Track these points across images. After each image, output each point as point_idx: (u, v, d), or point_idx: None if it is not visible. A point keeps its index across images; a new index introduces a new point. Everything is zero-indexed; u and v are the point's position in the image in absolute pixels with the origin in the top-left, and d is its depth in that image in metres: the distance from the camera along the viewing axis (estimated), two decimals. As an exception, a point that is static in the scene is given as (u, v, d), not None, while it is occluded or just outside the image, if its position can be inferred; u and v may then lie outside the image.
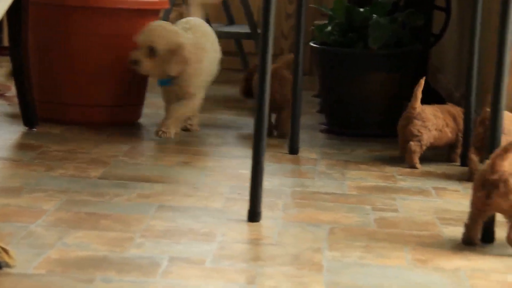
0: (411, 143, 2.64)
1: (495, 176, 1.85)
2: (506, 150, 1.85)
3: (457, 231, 2.01)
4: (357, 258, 1.79)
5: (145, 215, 2.01)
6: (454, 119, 2.73)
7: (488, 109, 2.45)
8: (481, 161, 2.46)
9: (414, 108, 2.67)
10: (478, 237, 1.90)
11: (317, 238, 1.91)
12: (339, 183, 2.43)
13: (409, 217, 2.12)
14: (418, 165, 2.64)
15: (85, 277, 1.58)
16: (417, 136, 2.64)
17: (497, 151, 1.87)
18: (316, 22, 3.58)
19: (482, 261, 1.81)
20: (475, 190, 1.87)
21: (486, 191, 1.86)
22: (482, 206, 1.87)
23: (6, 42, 4.72)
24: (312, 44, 3.23)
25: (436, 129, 2.68)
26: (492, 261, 1.81)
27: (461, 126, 2.72)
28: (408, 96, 3.01)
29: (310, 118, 3.39)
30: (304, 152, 2.81)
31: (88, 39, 2.98)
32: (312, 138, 3.04)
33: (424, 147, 2.65)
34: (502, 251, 1.87)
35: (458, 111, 2.75)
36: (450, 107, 2.76)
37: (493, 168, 1.85)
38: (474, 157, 2.49)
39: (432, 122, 2.67)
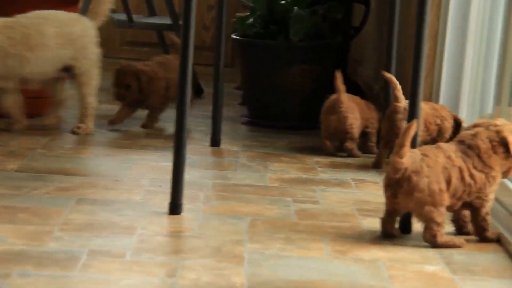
0: (347, 142, 2.70)
1: (398, 175, 1.85)
2: (400, 146, 1.84)
3: (376, 222, 2.04)
4: (277, 250, 1.80)
5: (64, 208, 1.98)
6: (362, 110, 2.77)
7: (397, 103, 2.51)
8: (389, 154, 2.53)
9: (342, 102, 2.69)
10: (395, 229, 1.93)
11: (238, 230, 1.92)
12: (261, 176, 2.44)
13: (329, 208, 2.14)
14: (359, 153, 2.71)
15: (2, 272, 1.55)
16: (350, 130, 2.69)
17: (395, 149, 1.86)
18: (238, 14, 3.58)
19: (400, 252, 1.84)
20: (384, 190, 1.89)
21: (392, 190, 1.87)
22: (391, 206, 1.89)
23: None
24: (233, 36, 3.23)
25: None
26: (409, 252, 1.84)
27: (369, 116, 2.77)
28: (329, 88, 3.04)
29: (232, 110, 3.39)
30: (226, 145, 2.81)
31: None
32: (234, 130, 3.04)
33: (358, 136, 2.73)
34: (419, 242, 1.91)
35: (363, 101, 2.81)
36: (356, 97, 2.80)
37: (394, 167, 1.85)
38: (382, 150, 2.56)
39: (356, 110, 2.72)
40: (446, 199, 1.86)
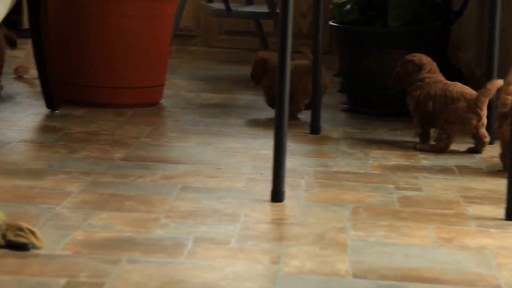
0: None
1: (505, 109, 2.30)
2: (508, 84, 2.29)
3: (482, 210, 2.01)
4: (381, 237, 1.80)
5: (169, 196, 2.02)
6: None
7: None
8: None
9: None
10: None
11: (340, 218, 1.92)
12: (362, 163, 2.43)
13: (433, 196, 2.12)
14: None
15: (111, 258, 1.59)
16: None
17: (503, 87, 2.31)
18: (335, 0, 3.57)
19: (508, 239, 1.81)
20: (494, 123, 2.34)
21: (500, 123, 2.30)
22: (500, 137, 2.30)
23: (26, 25, 4.74)
24: (331, 23, 3.22)
25: None
26: (516, 239, 1.81)
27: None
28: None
29: (331, 98, 3.39)
30: (326, 132, 2.81)
31: (112, 20, 2.99)
32: (334, 118, 3.04)
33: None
34: (526, 229, 1.87)
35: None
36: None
37: (502, 103, 2.31)
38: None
39: None
40: None
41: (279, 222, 1.87)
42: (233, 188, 2.11)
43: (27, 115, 2.84)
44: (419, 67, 2.65)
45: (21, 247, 1.59)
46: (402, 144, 2.67)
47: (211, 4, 4.06)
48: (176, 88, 3.50)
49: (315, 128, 2.79)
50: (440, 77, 2.65)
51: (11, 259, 1.55)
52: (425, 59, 2.67)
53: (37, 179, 2.09)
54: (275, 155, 2.02)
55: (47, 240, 1.67)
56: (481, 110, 2.53)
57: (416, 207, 2.02)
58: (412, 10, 3.12)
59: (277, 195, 2.03)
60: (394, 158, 2.49)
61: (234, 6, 4.14)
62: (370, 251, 1.71)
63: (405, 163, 2.44)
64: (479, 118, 2.53)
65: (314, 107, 2.78)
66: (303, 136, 2.75)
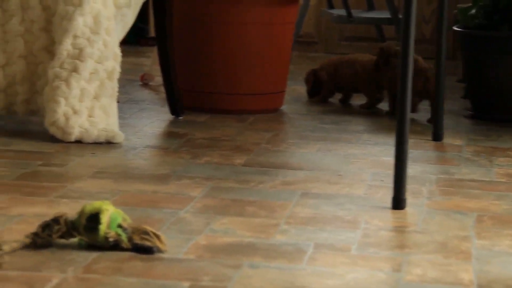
0: None
1: None
2: None
3: None
4: (507, 246, 1.75)
5: (289, 202, 2.02)
6: None
7: None
8: None
9: None
10: None
11: (463, 226, 1.88)
12: (486, 170, 2.37)
13: (561, 205, 2.05)
14: None
15: (233, 263, 1.61)
16: None
17: None
18: (459, 5, 3.50)
19: None
20: None
21: None
22: None
23: (152, 33, 4.86)
24: (455, 28, 3.16)
25: None
26: None
27: None
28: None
29: (454, 104, 3.33)
30: (449, 139, 2.76)
31: (235, 28, 3.03)
32: (457, 124, 2.98)
33: None
34: None
35: None
36: None
37: None
38: None
39: None
40: None
41: (400, 229, 1.85)
42: (353, 195, 2.10)
43: (152, 121, 2.91)
44: None
45: (146, 251, 1.63)
46: (529, 151, 2.60)
47: (332, 11, 4.05)
48: (297, 94, 3.51)
49: (437, 135, 2.74)
50: None
51: (137, 262, 1.59)
52: None
53: (161, 184, 2.13)
54: (396, 161, 2.00)
55: (171, 244, 1.70)
56: None
57: (544, 216, 1.96)
58: (539, 14, 3.03)
59: (398, 202, 2.01)
60: (520, 166, 2.42)
61: (355, 12, 4.12)
62: (496, 260, 1.67)
63: (531, 171, 2.37)
64: None
65: (437, 113, 2.74)
66: (425, 143, 2.71)
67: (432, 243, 1.76)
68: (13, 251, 1.60)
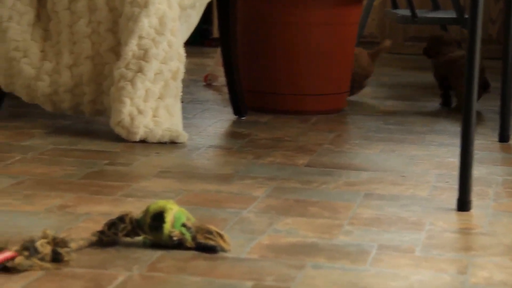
0: None
1: None
2: None
3: None
4: None
5: (353, 202, 2.02)
6: None
7: None
8: None
9: None
10: None
11: (531, 229, 1.85)
12: (554, 172, 2.33)
13: None
14: None
15: (296, 263, 1.61)
16: None
17: None
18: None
19: None
20: None
21: None
22: None
23: (215, 34, 4.89)
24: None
25: None
26: None
27: None
28: None
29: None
30: (515, 140, 2.72)
31: (298, 28, 3.03)
32: (523, 125, 2.93)
33: None
34: None
35: None
36: None
37: None
38: None
39: None
40: None
41: (465, 231, 1.83)
42: (417, 196, 2.08)
43: (215, 121, 2.93)
44: None
45: (209, 250, 1.65)
46: None
47: (396, 11, 4.02)
48: (360, 95, 3.50)
49: (503, 136, 2.70)
50: None
51: (201, 261, 1.61)
52: None
53: (224, 184, 2.15)
54: (461, 163, 1.98)
55: (234, 243, 1.71)
56: None
57: None
58: None
59: (463, 204, 1.98)
60: None
61: (420, 12, 4.08)
62: None
63: None
64: None
65: (503, 114, 2.70)
66: (491, 144, 2.67)
67: (498, 246, 1.74)
68: (80, 249, 1.63)
